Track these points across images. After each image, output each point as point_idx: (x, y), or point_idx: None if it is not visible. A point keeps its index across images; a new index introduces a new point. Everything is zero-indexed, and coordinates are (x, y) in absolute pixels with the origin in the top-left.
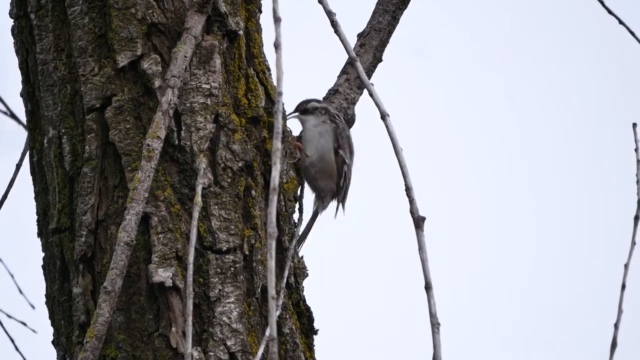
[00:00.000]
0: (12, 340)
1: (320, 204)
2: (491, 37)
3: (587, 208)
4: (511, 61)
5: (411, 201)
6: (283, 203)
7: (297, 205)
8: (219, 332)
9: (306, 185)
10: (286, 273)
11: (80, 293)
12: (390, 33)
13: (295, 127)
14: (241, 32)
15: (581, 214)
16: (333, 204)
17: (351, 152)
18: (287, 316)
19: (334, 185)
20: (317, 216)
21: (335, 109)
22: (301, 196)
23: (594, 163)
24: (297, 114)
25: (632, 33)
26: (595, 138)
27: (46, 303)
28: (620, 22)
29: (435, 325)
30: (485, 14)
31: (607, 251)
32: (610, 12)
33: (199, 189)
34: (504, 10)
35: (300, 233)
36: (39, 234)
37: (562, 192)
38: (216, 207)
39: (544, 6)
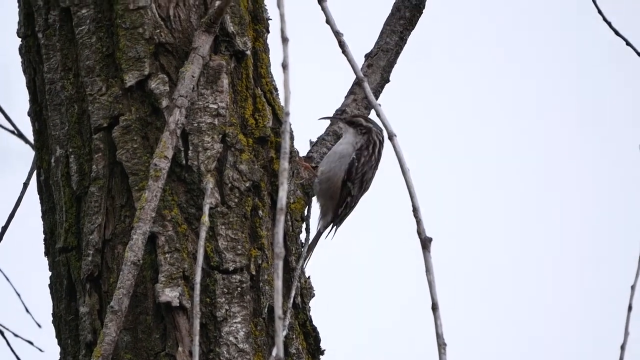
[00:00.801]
0: (19, 359)
1: (323, 223)
2: (502, 57)
3: (594, 229)
4: (522, 81)
5: (418, 222)
6: (290, 223)
7: (304, 226)
8: (225, 352)
9: (314, 201)
10: (293, 293)
11: (87, 312)
12: (397, 54)
13: (302, 147)
14: (249, 52)
15: (589, 237)
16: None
17: (361, 187)
18: (294, 336)
19: (333, 207)
20: (320, 235)
21: (380, 133)
22: (308, 216)
23: (602, 171)
24: (344, 120)
25: (634, 49)
26: (605, 145)
27: (53, 322)
28: (628, 44)
29: (441, 345)
30: (495, 34)
31: (614, 268)
32: (612, 28)
33: (206, 209)
34: (516, 27)
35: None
36: (46, 253)
37: (570, 211)
38: (223, 227)
39: (554, 17)
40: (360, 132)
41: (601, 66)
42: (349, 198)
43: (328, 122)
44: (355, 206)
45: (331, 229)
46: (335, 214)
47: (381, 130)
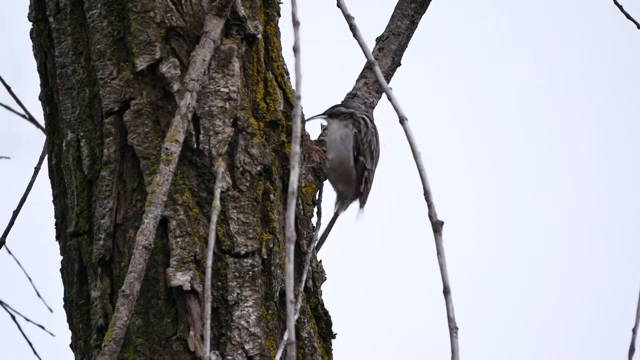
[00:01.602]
0: (30, 344)
1: (341, 206)
2: (512, 40)
3: (608, 212)
4: (533, 64)
5: (429, 205)
6: (301, 207)
7: (315, 209)
8: (237, 336)
9: (326, 186)
10: (304, 277)
11: (98, 296)
12: (409, 37)
13: (314, 130)
14: (260, 36)
15: (602, 217)
16: (353, 205)
17: (372, 158)
18: (305, 320)
19: (353, 189)
20: (337, 217)
21: (364, 112)
22: (319, 200)
23: (620, 162)
24: (324, 115)
25: None
26: (620, 138)
27: (64, 306)
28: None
29: (453, 329)
30: (506, 17)
31: (627, 253)
32: (628, 16)
33: (217, 193)
34: (527, 11)
35: (319, 234)
36: (57, 237)
37: (581, 194)
38: (234, 210)
39: (570, 9)
40: (344, 117)
41: (613, 55)
42: (366, 172)
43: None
44: (373, 181)
45: (358, 211)
46: (358, 192)
47: (366, 110)
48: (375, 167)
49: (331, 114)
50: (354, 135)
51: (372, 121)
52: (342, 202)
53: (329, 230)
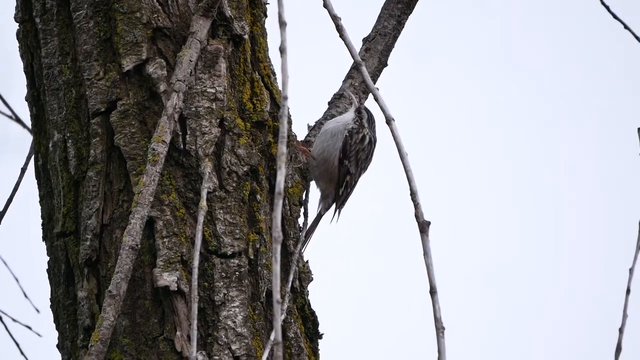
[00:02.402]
0: (17, 344)
1: (324, 206)
2: (499, 41)
3: (592, 211)
4: (519, 65)
5: (416, 205)
6: (288, 207)
7: (302, 210)
8: (223, 336)
9: (312, 187)
10: (291, 277)
11: (85, 297)
12: (395, 37)
13: (300, 131)
14: (246, 36)
15: (587, 217)
16: (334, 206)
17: (357, 166)
18: (292, 320)
19: (333, 189)
20: (320, 218)
21: (373, 132)
22: (306, 200)
23: (599, 165)
24: (357, 100)
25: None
26: (600, 141)
27: (51, 307)
28: (626, 27)
29: (440, 329)
30: (492, 17)
31: (611, 254)
32: (615, 17)
33: (204, 193)
34: (513, 12)
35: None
36: (44, 238)
37: (567, 195)
38: (221, 211)
39: (555, 8)
40: (355, 122)
41: (605, 59)
42: (348, 177)
43: (325, 106)
44: (355, 186)
45: (334, 212)
46: (337, 195)
47: (372, 134)
48: (359, 175)
49: (359, 109)
50: (344, 137)
51: (371, 144)
52: (325, 202)
53: (313, 230)
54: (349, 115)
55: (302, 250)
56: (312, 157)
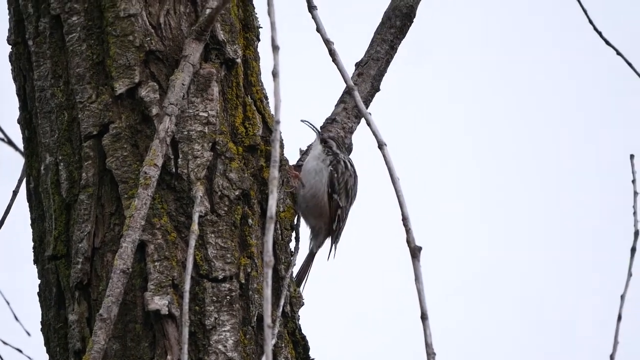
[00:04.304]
0: None
1: (315, 243)
2: (491, 66)
3: (586, 233)
4: (512, 90)
5: (407, 231)
6: (280, 232)
7: (293, 234)
8: None
9: (303, 224)
10: (282, 302)
11: (75, 320)
12: (388, 62)
13: (292, 155)
14: (239, 60)
15: (580, 241)
16: (328, 241)
17: (347, 196)
18: (283, 345)
19: (324, 225)
20: (313, 257)
21: (347, 157)
22: (298, 225)
23: (594, 182)
24: (317, 133)
25: (630, 65)
26: (596, 156)
27: (42, 330)
28: (618, 53)
29: (430, 355)
30: (485, 41)
31: (605, 277)
32: (608, 43)
33: (195, 217)
34: (507, 35)
35: (298, 272)
36: (35, 261)
37: (560, 218)
38: (213, 235)
39: (545, 23)
40: (327, 153)
41: (596, 66)
42: (339, 211)
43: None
44: (347, 219)
45: (330, 247)
46: (330, 230)
47: (348, 156)
48: (350, 206)
49: (323, 139)
50: (329, 172)
51: (352, 165)
52: (316, 239)
53: (308, 269)
54: (318, 149)
55: (300, 290)
56: (302, 184)
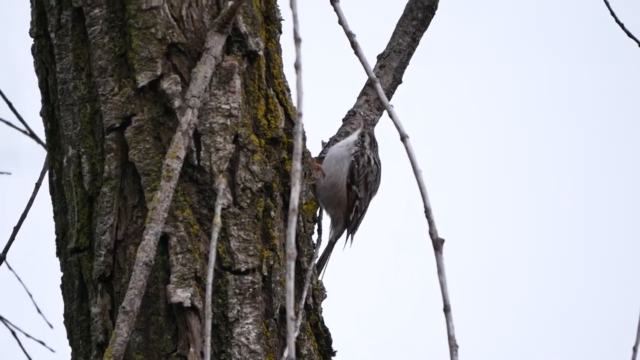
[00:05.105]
0: None
1: (334, 233)
2: (513, 58)
3: (610, 229)
4: (535, 82)
5: (430, 223)
6: (302, 224)
7: (315, 227)
8: (237, 353)
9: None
10: (305, 294)
11: (98, 313)
12: (410, 55)
13: (315, 148)
14: (261, 53)
15: (605, 235)
16: (346, 231)
17: (367, 189)
18: (306, 337)
19: (343, 215)
20: (333, 245)
21: (375, 153)
22: (320, 217)
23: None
24: (365, 124)
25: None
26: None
27: (64, 322)
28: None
29: (453, 347)
30: (506, 33)
31: (628, 269)
32: (617, 21)
33: (218, 210)
34: (528, 28)
35: (317, 260)
36: (58, 254)
37: (581, 211)
38: (235, 227)
39: (563, 18)
40: (356, 144)
41: (615, 65)
42: (357, 202)
43: (340, 123)
44: (366, 211)
45: (347, 237)
46: (347, 221)
47: (377, 153)
48: (369, 199)
49: (363, 133)
50: (350, 162)
51: (377, 163)
52: (335, 228)
53: (327, 258)
54: (352, 138)
55: (319, 277)
56: (324, 175)
